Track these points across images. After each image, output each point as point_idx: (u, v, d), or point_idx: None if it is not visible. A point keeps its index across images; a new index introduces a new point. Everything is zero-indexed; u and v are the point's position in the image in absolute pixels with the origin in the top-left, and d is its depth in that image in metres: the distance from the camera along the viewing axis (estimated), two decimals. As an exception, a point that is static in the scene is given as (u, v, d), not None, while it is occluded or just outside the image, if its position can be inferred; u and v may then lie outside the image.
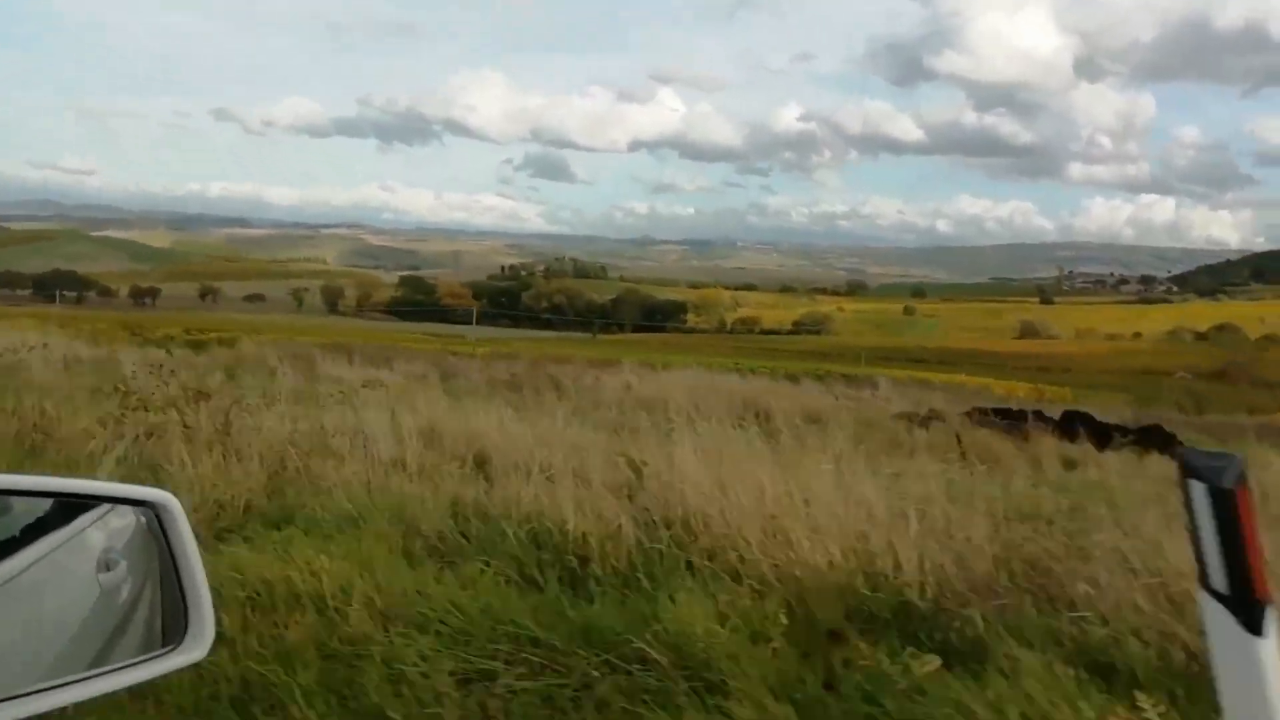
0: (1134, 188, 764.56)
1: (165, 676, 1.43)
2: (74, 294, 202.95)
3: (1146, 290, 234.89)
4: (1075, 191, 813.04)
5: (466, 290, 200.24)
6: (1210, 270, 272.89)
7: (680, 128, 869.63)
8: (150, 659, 1.43)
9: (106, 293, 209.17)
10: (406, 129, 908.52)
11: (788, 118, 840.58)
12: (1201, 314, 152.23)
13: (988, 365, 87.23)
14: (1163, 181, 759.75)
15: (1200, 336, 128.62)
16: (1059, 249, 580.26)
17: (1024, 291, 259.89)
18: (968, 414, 13.00)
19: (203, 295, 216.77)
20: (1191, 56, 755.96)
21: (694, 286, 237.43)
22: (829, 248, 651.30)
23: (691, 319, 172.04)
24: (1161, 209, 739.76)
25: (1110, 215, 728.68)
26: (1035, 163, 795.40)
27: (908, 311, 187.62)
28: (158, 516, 1.55)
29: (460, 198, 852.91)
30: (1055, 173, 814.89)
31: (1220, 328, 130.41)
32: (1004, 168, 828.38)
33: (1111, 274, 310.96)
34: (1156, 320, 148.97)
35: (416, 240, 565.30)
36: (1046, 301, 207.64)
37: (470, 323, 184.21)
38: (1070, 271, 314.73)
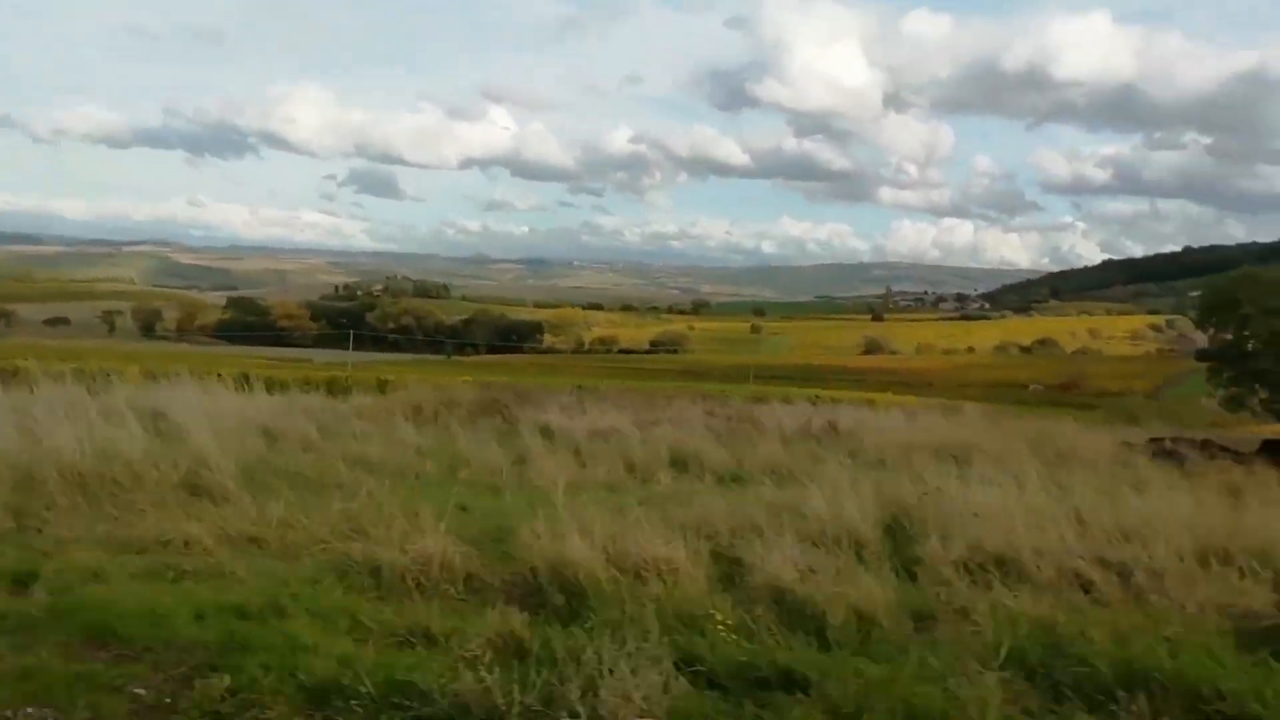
0: (937, 212, 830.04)
1: None
2: None
3: (963, 307, 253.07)
4: (886, 214, 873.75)
5: (303, 311, 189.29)
6: (1014, 288, 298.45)
7: (512, 146, 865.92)
8: None
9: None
10: (218, 140, 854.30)
11: (619, 139, 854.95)
12: (1019, 329, 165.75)
13: (851, 381, 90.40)
14: (962, 206, 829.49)
15: (1025, 350, 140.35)
16: (874, 268, 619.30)
17: (854, 309, 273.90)
18: (1199, 446, 12.63)
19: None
20: (983, 93, 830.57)
21: (540, 306, 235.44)
22: (663, 267, 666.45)
23: (548, 339, 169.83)
24: (961, 232, 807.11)
25: (917, 237, 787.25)
26: (850, 187, 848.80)
27: (754, 330, 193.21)
28: None
29: (278, 213, 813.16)
30: (868, 197, 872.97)
31: (1042, 342, 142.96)
32: (822, 191, 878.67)
33: (927, 292, 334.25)
34: (983, 335, 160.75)
35: (230, 258, 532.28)
36: (877, 318, 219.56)
37: (306, 345, 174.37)
38: (892, 289, 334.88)
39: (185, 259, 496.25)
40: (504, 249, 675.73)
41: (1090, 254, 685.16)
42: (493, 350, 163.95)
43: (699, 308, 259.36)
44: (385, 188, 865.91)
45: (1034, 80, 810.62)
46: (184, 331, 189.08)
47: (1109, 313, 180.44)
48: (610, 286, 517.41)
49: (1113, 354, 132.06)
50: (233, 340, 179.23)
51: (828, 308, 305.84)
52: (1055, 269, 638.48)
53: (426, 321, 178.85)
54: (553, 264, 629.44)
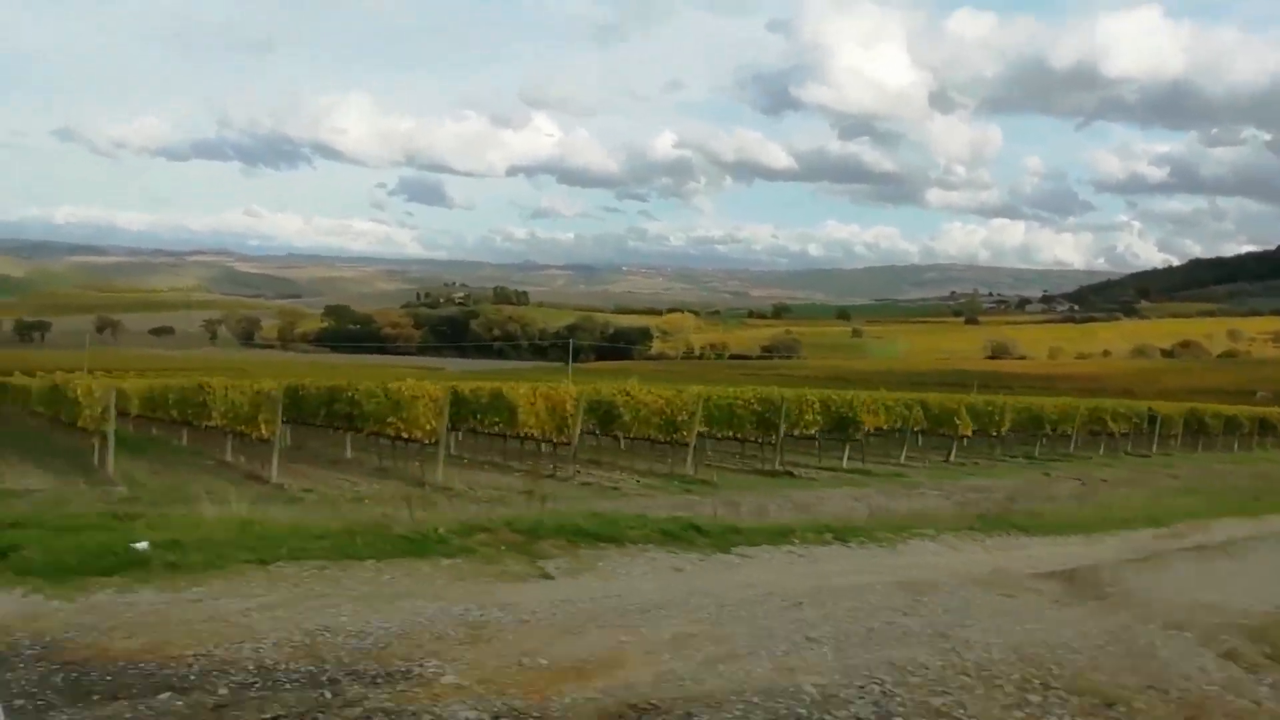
0: (986, 213, 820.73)
1: None
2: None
3: (1050, 309, 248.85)
4: (934, 216, 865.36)
5: (407, 319, 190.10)
6: (1096, 289, 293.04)
7: (557, 152, 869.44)
8: None
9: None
10: (271, 151, 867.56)
11: (662, 144, 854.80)
12: (1147, 332, 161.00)
13: (1039, 388, 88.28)
14: (1012, 207, 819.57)
15: (1166, 353, 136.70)
16: (926, 271, 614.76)
17: (936, 312, 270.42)
18: None
19: (100, 329, 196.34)
20: (1031, 91, 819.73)
21: (624, 311, 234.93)
22: (712, 271, 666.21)
23: (658, 345, 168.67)
24: (1012, 232, 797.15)
25: (967, 238, 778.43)
26: (897, 189, 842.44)
27: (856, 334, 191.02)
28: None
29: (331, 222, 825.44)
30: (915, 199, 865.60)
31: (1184, 345, 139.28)
32: (868, 194, 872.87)
33: (992, 293, 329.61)
34: (1108, 338, 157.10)
35: (290, 266, 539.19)
36: (971, 321, 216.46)
37: (411, 353, 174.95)
38: (978, 291, 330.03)
39: (246, 268, 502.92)
40: (551, 255, 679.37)
41: (1147, 253, 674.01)
42: (601, 356, 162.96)
43: (780, 311, 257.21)
44: (434, 196, 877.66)
45: (1083, 78, 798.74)
46: (286, 340, 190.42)
47: (1245, 314, 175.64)
48: (660, 291, 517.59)
49: (1261, 356, 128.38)
50: (336, 349, 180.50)
51: (902, 310, 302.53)
52: (1110, 269, 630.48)
53: (530, 328, 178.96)
54: (600, 270, 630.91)
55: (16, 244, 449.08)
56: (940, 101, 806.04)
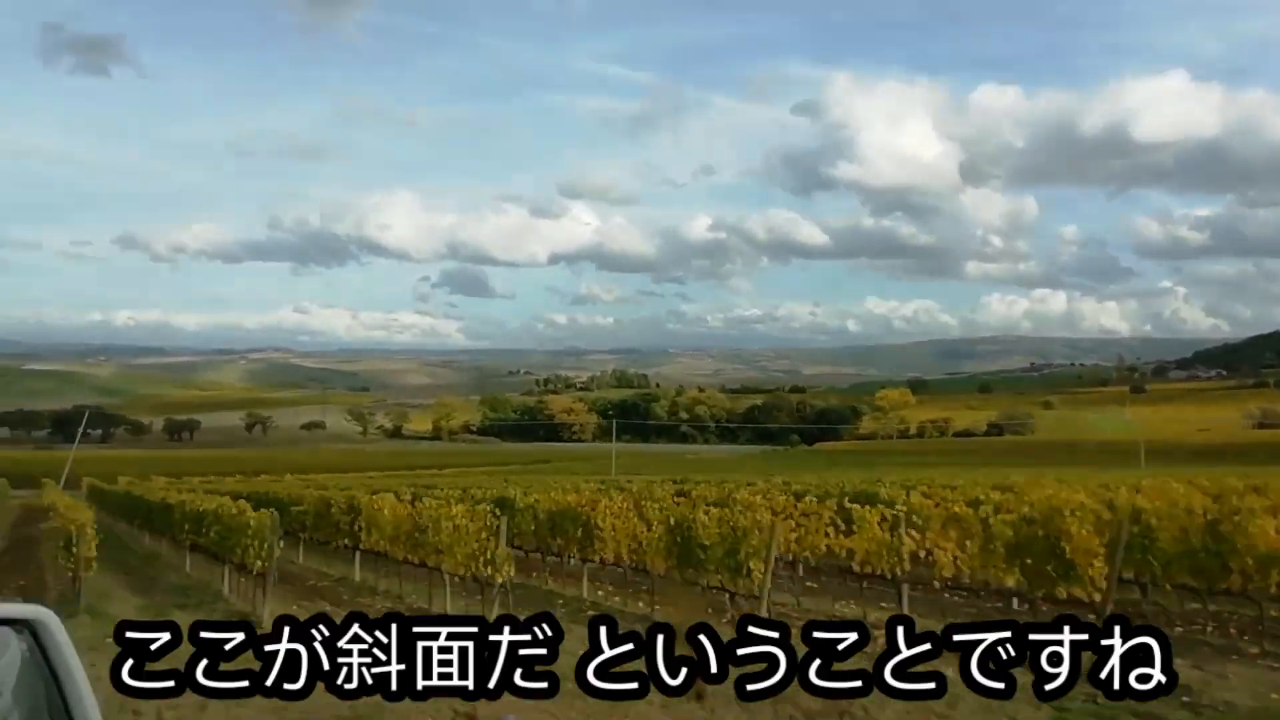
0: (1027, 283, 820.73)
1: None
2: (99, 432, 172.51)
3: (1194, 376, 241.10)
4: (973, 288, 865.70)
5: (582, 406, 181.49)
6: (1212, 355, 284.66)
7: (595, 240, 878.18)
8: None
9: (139, 429, 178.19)
10: (320, 249, 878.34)
11: (698, 228, 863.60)
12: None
13: None
14: (1052, 276, 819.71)
15: None
16: (977, 344, 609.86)
17: (1018, 385, 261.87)
18: None
19: (250, 427, 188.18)
20: (1062, 160, 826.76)
21: (847, 392, 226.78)
22: (759, 350, 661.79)
23: (868, 424, 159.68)
24: (1054, 302, 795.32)
25: (1008, 309, 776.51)
26: (934, 263, 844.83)
27: (1047, 405, 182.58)
28: (35, 636, 1.37)
29: (378, 316, 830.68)
30: (953, 272, 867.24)
31: None
32: (905, 268, 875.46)
33: (1118, 361, 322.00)
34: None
35: (348, 361, 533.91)
36: (1138, 390, 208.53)
37: (585, 440, 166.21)
38: (1131, 361, 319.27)
39: (305, 363, 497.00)
40: (592, 340, 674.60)
41: (1194, 319, 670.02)
42: (805, 438, 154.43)
43: (917, 387, 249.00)
44: (477, 287, 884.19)
45: (1115, 145, 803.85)
46: (451, 432, 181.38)
47: None
48: (711, 373, 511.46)
49: None
50: (504, 438, 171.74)
51: (1030, 382, 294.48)
52: (1159, 336, 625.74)
53: (718, 410, 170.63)
54: (646, 352, 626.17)
55: (82, 348, 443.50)
56: (971, 174, 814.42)
